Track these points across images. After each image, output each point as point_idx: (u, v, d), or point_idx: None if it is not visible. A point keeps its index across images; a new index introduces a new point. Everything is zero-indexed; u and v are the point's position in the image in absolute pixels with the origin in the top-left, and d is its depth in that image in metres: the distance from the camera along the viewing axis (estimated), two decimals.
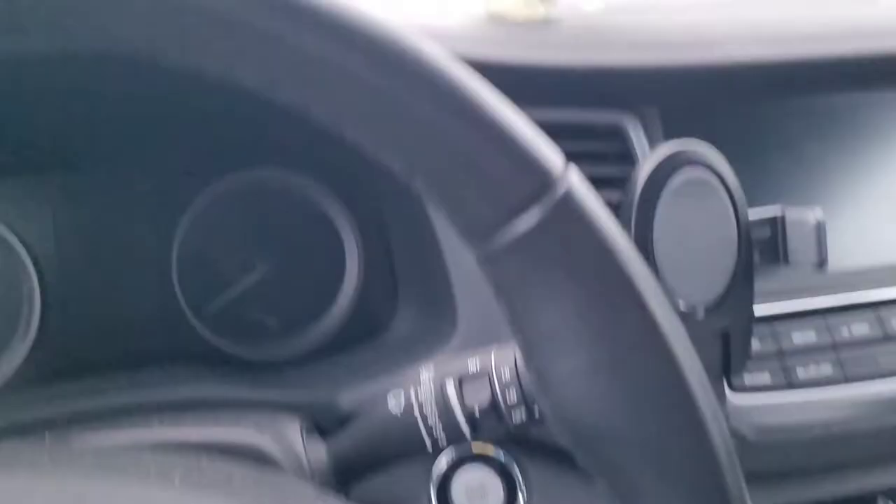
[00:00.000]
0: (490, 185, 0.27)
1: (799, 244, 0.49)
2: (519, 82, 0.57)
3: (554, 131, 0.58)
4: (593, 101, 0.58)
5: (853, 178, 0.64)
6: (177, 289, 0.61)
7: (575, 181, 0.27)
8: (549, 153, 0.28)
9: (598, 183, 0.57)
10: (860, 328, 0.57)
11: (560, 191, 0.26)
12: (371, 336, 0.62)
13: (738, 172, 0.59)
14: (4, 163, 0.58)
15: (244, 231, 0.63)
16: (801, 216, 0.49)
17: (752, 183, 0.61)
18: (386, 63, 0.26)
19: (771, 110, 0.63)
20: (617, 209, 0.55)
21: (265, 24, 0.25)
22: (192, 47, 0.26)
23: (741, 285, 0.48)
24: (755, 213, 0.50)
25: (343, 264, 0.64)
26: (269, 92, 0.27)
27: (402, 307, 0.62)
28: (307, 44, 0.25)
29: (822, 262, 0.48)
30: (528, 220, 0.25)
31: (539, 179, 0.27)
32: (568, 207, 0.27)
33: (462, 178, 0.27)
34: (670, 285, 0.47)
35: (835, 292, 0.58)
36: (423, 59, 0.26)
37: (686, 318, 0.48)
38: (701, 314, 0.48)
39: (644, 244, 0.47)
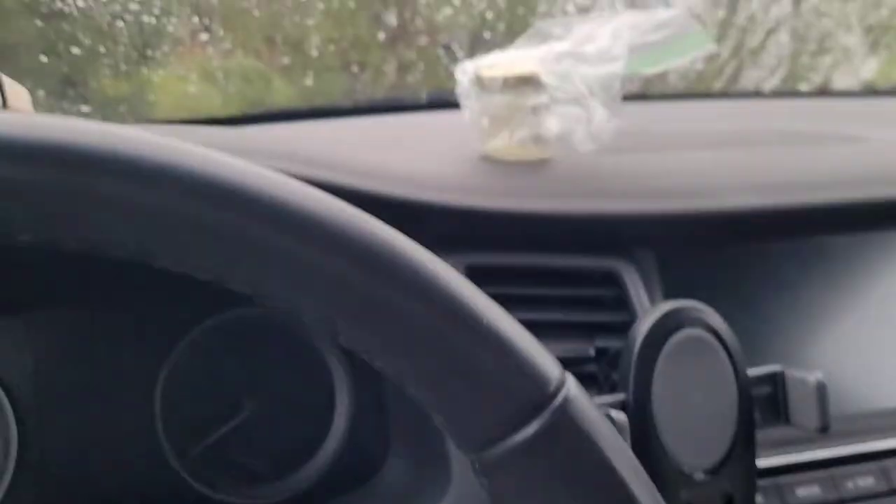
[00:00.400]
0: (487, 396, 0.26)
1: (800, 405, 0.48)
2: (514, 229, 0.58)
3: (549, 277, 0.59)
4: (588, 248, 0.58)
5: (852, 320, 0.63)
6: (160, 432, 0.59)
7: (573, 391, 0.27)
8: (548, 363, 0.27)
9: (593, 329, 0.57)
10: (865, 481, 0.56)
11: (558, 402, 0.26)
12: (361, 481, 0.60)
13: (734, 316, 0.59)
14: None
15: (231, 369, 0.62)
16: (802, 377, 0.48)
17: (749, 327, 0.61)
18: (382, 272, 0.25)
19: (766, 253, 0.63)
20: (614, 358, 0.54)
21: (268, 238, 0.25)
22: (191, 261, 0.26)
23: (743, 447, 0.47)
24: (755, 371, 0.49)
25: (333, 403, 0.63)
26: (260, 297, 0.26)
27: (394, 451, 0.60)
28: (304, 254, 0.25)
29: (824, 427, 0.47)
30: (525, 432, 0.25)
31: (537, 391, 0.26)
32: (566, 419, 0.27)
33: (458, 387, 0.26)
34: (670, 447, 0.46)
35: (838, 443, 0.57)
36: (419, 267, 0.26)
37: (687, 480, 0.46)
38: (702, 476, 0.47)
39: (643, 405, 0.46)
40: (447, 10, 0.90)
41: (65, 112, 0.87)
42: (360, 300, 0.25)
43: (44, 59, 0.78)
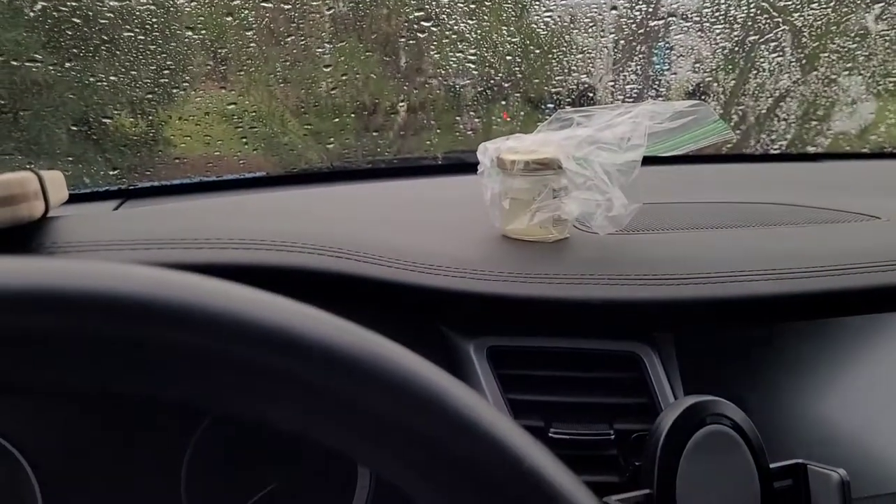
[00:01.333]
0: None
1: (822, 499, 0.48)
2: (535, 313, 0.59)
3: (569, 359, 0.59)
4: (608, 331, 0.59)
5: (871, 399, 0.64)
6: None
7: None
8: (585, 497, 0.28)
9: (613, 411, 0.58)
10: None
11: None
12: None
13: (752, 398, 0.60)
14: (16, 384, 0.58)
15: (256, 444, 0.62)
16: (825, 472, 0.48)
17: (767, 410, 0.62)
18: (429, 411, 0.27)
19: (785, 334, 0.64)
20: (635, 443, 0.55)
21: (321, 383, 0.26)
22: (242, 406, 0.27)
23: None
24: (777, 464, 0.49)
25: (354, 480, 0.63)
26: (303, 434, 0.27)
27: None
28: (356, 398, 0.26)
29: None
30: None
31: None
32: None
33: None
34: None
35: None
36: (465, 408, 0.27)
37: None
38: None
39: (667, 501, 0.46)
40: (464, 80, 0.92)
41: (93, 176, 0.88)
42: (406, 438, 0.26)
43: (74, 127, 0.80)
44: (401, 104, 0.99)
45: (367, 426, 0.26)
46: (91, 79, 0.76)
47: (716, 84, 0.98)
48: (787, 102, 1.05)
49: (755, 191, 0.87)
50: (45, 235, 0.45)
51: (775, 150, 1.14)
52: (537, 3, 0.86)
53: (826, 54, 1.00)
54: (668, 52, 0.96)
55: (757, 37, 0.94)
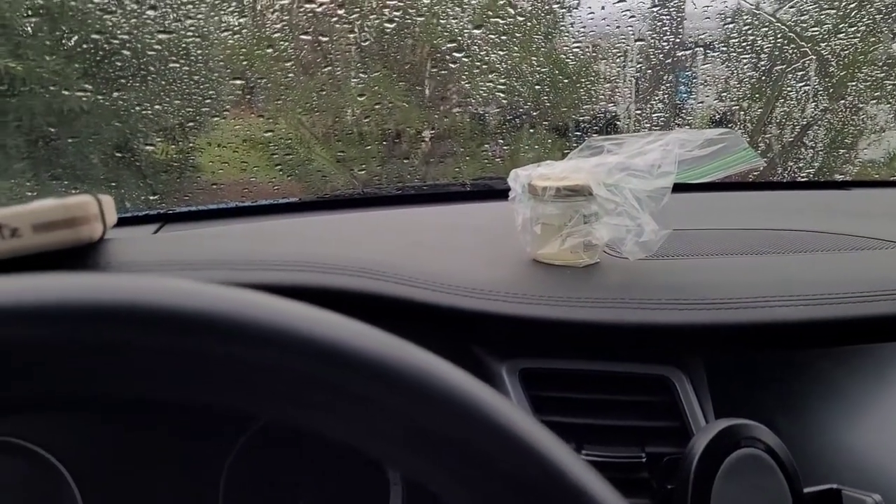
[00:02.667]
0: None
1: None
2: (567, 336, 0.60)
3: (600, 382, 0.60)
4: (639, 355, 0.60)
5: None
6: None
7: None
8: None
9: (644, 434, 0.58)
10: None
11: None
12: None
13: (782, 423, 0.60)
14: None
15: (290, 466, 0.64)
16: (860, 497, 0.49)
17: (797, 434, 0.62)
18: (479, 424, 0.28)
19: (813, 358, 0.65)
20: (667, 466, 0.56)
21: (386, 402, 0.27)
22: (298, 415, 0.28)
23: None
24: (812, 489, 0.50)
25: (387, 493, 0.64)
26: (353, 445, 0.29)
27: None
28: (415, 414, 0.27)
29: None
30: None
31: None
32: None
33: None
34: None
35: None
36: (513, 425, 0.28)
37: None
38: None
39: None
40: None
41: (133, 201, 0.91)
42: (456, 451, 0.27)
43: (118, 154, 0.83)
44: (430, 132, 1.01)
45: (423, 442, 0.27)
46: (137, 108, 0.79)
47: (742, 112, 0.99)
48: (814, 130, 1.06)
49: (783, 218, 0.88)
50: (102, 256, 0.48)
51: (803, 177, 1.14)
52: (566, 35, 0.88)
53: (854, 83, 1.01)
54: (694, 81, 0.97)
55: (784, 66, 0.95)
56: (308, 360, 0.26)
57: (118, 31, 0.72)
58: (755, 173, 1.05)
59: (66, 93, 0.73)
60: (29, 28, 0.77)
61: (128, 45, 0.74)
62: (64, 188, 0.89)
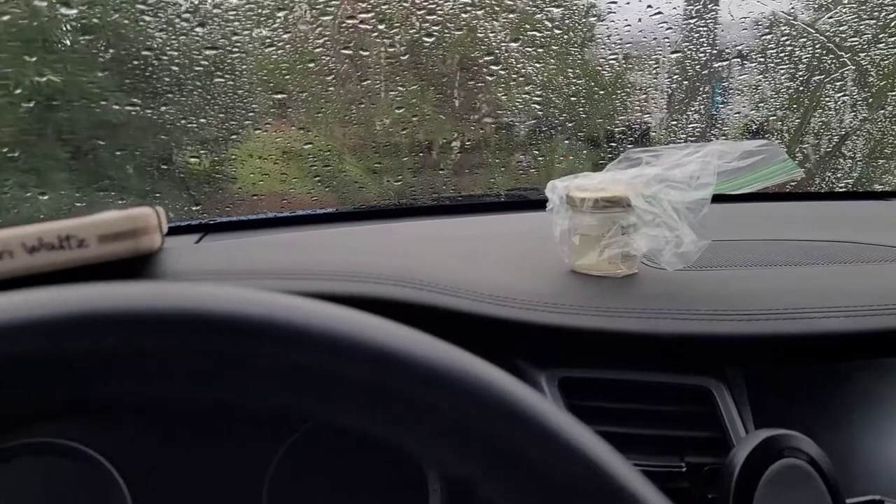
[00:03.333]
0: None
1: None
2: (606, 346, 0.61)
3: (640, 392, 0.61)
4: (679, 365, 0.60)
5: None
6: None
7: None
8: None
9: (684, 444, 0.58)
10: None
11: None
12: None
13: (823, 435, 0.60)
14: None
15: (332, 469, 0.65)
16: None
17: (838, 446, 0.61)
18: (536, 433, 0.29)
19: (854, 370, 0.64)
20: (708, 476, 0.56)
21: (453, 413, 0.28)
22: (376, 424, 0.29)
23: None
24: (853, 500, 0.50)
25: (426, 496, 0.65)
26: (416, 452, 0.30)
27: None
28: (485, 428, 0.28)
29: None
30: None
31: None
32: None
33: None
34: None
35: None
36: (567, 433, 0.29)
37: None
38: None
39: None
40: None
41: (177, 212, 0.94)
42: (511, 458, 0.28)
43: (164, 166, 0.86)
44: (465, 143, 1.03)
45: (482, 449, 0.28)
46: (182, 121, 0.82)
47: (779, 123, 0.98)
48: (852, 141, 1.05)
49: (822, 229, 0.88)
50: (159, 266, 0.49)
51: (841, 188, 1.13)
52: (603, 46, 0.89)
53: (894, 93, 1.00)
54: (730, 92, 0.97)
55: (822, 76, 0.95)
56: (403, 380, 0.28)
57: (167, 48, 0.75)
58: (792, 184, 1.04)
59: (117, 107, 0.76)
60: (70, 42, 0.80)
61: (176, 60, 0.76)
62: (110, 199, 0.91)
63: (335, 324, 0.27)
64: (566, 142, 1.00)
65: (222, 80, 0.81)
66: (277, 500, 0.63)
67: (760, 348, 0.60)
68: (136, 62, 0.76)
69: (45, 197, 0.86)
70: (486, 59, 0.85)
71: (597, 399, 0.59)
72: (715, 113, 0.97)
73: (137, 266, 0.47)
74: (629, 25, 0.83)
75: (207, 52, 0.77)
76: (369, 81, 0.87)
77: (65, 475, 0.62)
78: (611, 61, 0.89)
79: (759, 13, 0.88)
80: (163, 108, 0.79)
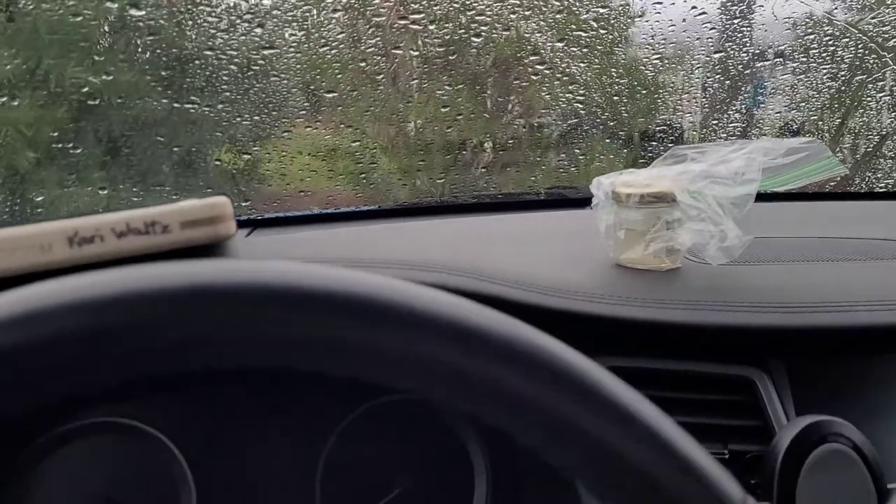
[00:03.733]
0: None
1: None
2: (651, 337, 0.62)
3: (683, 381, 0.62)
4: (721, 357, 0.61)
5: None
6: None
7: None
8: (731, 486, 0.31)
9: (727, 433, 0.60)
10: None
11: None
12: None
13: (864, 426, 0.61)
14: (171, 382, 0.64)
15: (383, 448, 0.67)
16: None
17: (879, 437, 0.62)
18: (601, 409, 0.31)
19: None
20: (751, 462, 0.57)
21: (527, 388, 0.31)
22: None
23: None
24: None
25: (472, 483, 0.67)
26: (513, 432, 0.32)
27: None
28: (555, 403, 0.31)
29: None
30: None
31: None
32: None
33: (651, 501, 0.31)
34: None
35: None
36: (629, 404, 0.32)
37: None
38: None
39: None
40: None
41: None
42: (584, 440, 0.31)
43: (217, 162, 0.89)
44: (508, 142, 1.05)
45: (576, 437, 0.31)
46: (237, 119, 0.85)
47: (820, 123, 0.99)
48: (893, 141, 1.05)
49: (862, 227, 0.88)
50: (235, 252, 0.52)
51: (881, 188, 1.13)
52: (647, 46, 0.90)
53: None
54: (771, 91, 0.98)
55: (864, 76, 0.96)
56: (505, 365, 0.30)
57: (227, 48, 0.78)
58: (832, 183, 1.05)
59: (177, 105, 0.79)
60: (132, 42, 0.83)
61: (235, 60, 0.79)
62: (165, 195, 0.95)
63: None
64: (607, 140, 1.02)
65: (277, 78, 0.84)
66: (330, 479, 0.66)
67: (802, 340, 0.61)
68: (196, 62, 0.80)
69: (105, 192, 0.90)
70: (531, 58, 0.88)
71: (642, 388, 0.61)
72: (755, 112, 0.98)
73: (216, 252, 0.50)
74: (673, 25, 0.84)
75: (264, 52, 0.80)
76: (416, 81, 0.89)
77: (128, 454, 0.65)
78: (654, 61, 0.91)
79: (803, 13, 0.89)
80: (219, 107, 0.82)
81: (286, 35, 0.79)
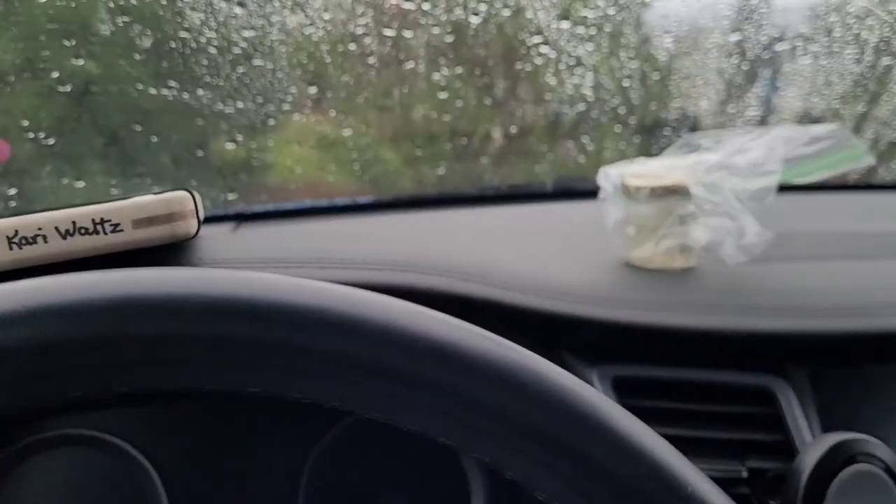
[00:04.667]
0: None
1: None
2: (662, 343, 0.57)
3: (698, 392, 0.57)
4: (739, 363, 0.56)
5: None
6: None
7: None
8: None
9: (745, 448, 0.55)
10: None
11: None
12: None
13: (890, 438, 0.56)
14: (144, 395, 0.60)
15: (371, 464, 0.63)
16: None
17: None
18: (599, 439, 0.27)
19: None
20: (771, 482, 0.52)
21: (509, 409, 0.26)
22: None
23: None
24: None
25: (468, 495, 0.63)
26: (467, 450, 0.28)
27: None
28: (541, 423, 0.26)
29: None
30: None
31: None
32: None
33: None
34: None
35: None
36: (633, 435, 0.27)
37: None
38: None
39: None
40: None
41: (214, 200, 0.92)
42: (579, 464, 0.27)
43: (200, 152, 0.85)
44: (511, 130, 1.00)
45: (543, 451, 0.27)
46: (220, 105, 0.80)
47: (843, 109, 0.94)
48: None
49: (890, 221, 0.83)
50: (195, 252, 0.48)
51: None
52: (658, 28, 0.85)
53: None
54: (791, 76, 0.92)
55: (892, 60, 0.90)
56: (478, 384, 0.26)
57: (205, 28, 0.73)
58: (858, 173, 0.99)
59: (153, 91, 0.75)
60: (110, 26, 0.79)
61: (213, 42, 0.74)
62: (146, 187, 0.91)
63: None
64: (617, 128, 0.96)
65: (261, 63, 0.79)
66: (314, 498, 0.62)
67: (827, 347, 0.56)
68: (172, 45, 0.75)
69: (82, 184, 0.85)
70: (534, 40, 0.82)
71: (652, 398, 0.56)
72: (774, 98, 0.92)
73: (173, 252, 0.45)
74: (687, 6, 0.79)
75: (245, 34, 0.75)
76: (411, 65, 0.84)
77: (98, 467, 0.61)
78: (666, 44, 0.86)
79: None
80: (199, 93, 0.78)
81: (268, 15, 0.74)
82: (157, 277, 0.25)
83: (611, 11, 0.81)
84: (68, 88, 0.75)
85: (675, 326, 0.56)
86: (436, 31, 0.79)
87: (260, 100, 0.85)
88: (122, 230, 0.38)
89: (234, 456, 0.62)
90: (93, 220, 0.38)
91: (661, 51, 0.87)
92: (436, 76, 0.85)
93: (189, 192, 0.42)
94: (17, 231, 0.37)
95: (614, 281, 0.61)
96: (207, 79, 0.77)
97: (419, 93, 0.89)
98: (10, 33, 0.80)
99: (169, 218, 0.39)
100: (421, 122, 0.94)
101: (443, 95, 0.87)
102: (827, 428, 0.55)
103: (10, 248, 0.37)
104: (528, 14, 0.79)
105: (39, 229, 0.37)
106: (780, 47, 0.86)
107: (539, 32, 0.80)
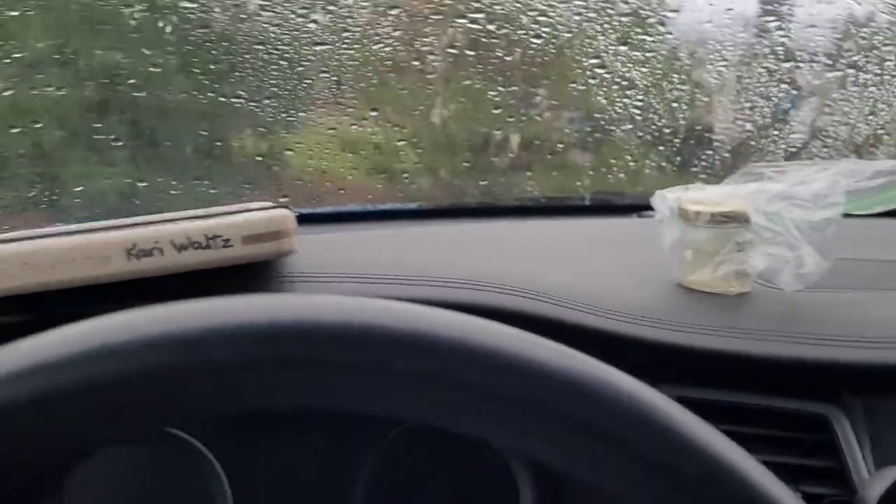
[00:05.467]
0: None
1: None
2: (719, 367, 0.59)
3: (752, 416, 0.59)
4: (794, 390, 0.58)
5: None
6: None
7: None
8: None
9: (799, 473, 0.56)
10: None
11: None
12: None
13: None
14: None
15: (426, 473, 0.65)
16: None
17: None
18: (664, 436, 0.28)
19: None
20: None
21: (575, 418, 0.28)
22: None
23: None
24: None
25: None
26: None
27: None
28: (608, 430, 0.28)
29: None
30: None
31: None
32: None
33: None
34: None
35: None
36: (695, 432, 0.29)
37: None
38: None
39: None
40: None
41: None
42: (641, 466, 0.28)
43: (259, 158, 0.87)
44: (557, 144, 1.01)
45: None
46: (283, 115, 0.82)
47: (887, 136, 0.94)
48: None
49: None
50: (295, 267, 0.49)
51: None
52: (714, 53, 0.86)
53: None
54: (838, 102, 0.93)
55: None
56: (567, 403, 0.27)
57: (279, 43, 0.75)
58: None
59: (223, 99, 0.77)
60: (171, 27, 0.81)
61: (285, 55, 0.76)
62: (204, 188, 0.93)
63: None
64: (659, 147, 0.98)
65: (327, 75, 0.81)
66: (372, 496, 0.63)
67: (884, 378, 0.57)
68: (245, 55, 0.77)
69: (143, 184, 0.88)
70: (591, 61, 0.84)
71: (709, 420, 0.57)
72: (821, 125, 0.93)
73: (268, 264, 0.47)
74: (743, 32, 0.80)
75: (316, 48, 0.77)
76: (470, 82, 0.86)
77: (159, 463, 0.63)
78: (720, 69, 0.87)
79: (887, 22, 0.84)
80: (265, 102, 0.80)
81: (340, 30, 0.76)
82: (309, 305, 0.27)
83: (669, 36, 0.82)
84: (129, 87, 0.77)
85: (733, 352, 0.57)
86: (499, 52, 0.80)
87: (313, 109, 0.87)
88: (231, 245, 0.40)
89: (296, 458, 0.64)
90: (206, 235, 0.40)
91: (714, 74, 0.89)
92: (491, 93, 0.86)
93: (289, 208, 0.44)
94: (135, 244, 0.39)
95: (672, 303, 0.62)
96: (275, 89, 0.79)
97: (472, 108, 0.91)
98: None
99: (276, 235, 0.41)
100: (469, 135, 0.95)
101: (496, 111, 0.89)
102: (879, 457, 0.56)
103: (129, 260, 0.39)
104: (590, 36, 0.80)
105: (156, 242, 0.39)
106: (833, 75, 0.88)
107: (597, 56, 0.81)
